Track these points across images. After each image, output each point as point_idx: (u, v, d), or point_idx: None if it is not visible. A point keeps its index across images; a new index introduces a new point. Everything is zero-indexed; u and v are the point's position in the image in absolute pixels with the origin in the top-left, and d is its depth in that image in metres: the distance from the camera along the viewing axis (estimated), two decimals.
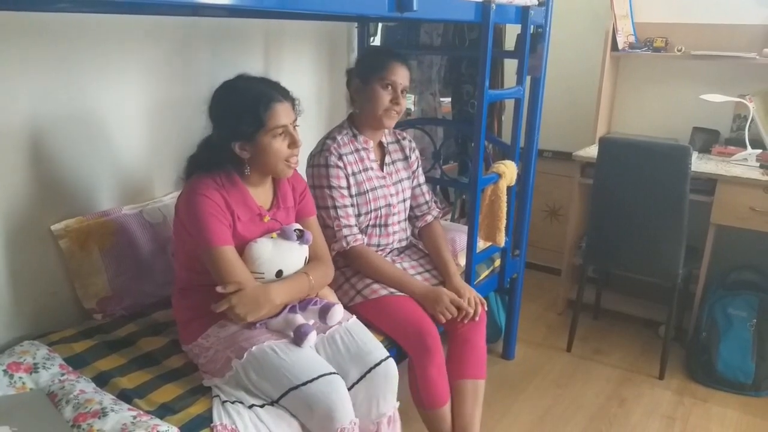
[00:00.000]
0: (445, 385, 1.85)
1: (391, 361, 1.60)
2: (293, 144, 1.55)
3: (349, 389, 1.49)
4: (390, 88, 1.89)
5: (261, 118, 1.48)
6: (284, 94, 1.55)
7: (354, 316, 1.72)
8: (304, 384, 1.42)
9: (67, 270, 1.78)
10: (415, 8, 1.54)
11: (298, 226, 1.64)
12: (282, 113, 1.51)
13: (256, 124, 1.49)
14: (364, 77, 1.92)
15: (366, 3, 1.57)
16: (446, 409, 1.86)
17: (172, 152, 1.97)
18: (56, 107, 1.71)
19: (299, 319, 1.57)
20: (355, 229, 1.91)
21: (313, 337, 1.53)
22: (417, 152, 2.17)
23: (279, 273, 1.56)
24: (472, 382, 1.92)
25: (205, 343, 1.57)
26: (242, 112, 1.48)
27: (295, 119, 1.57)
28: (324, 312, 1.60)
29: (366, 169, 1.97)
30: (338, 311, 1.61)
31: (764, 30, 2.75)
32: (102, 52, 1.80)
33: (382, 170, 2.03)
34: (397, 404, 1.65)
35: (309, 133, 2.51)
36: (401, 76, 1.91)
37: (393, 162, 2.07)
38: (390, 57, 1.92)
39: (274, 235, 1.59)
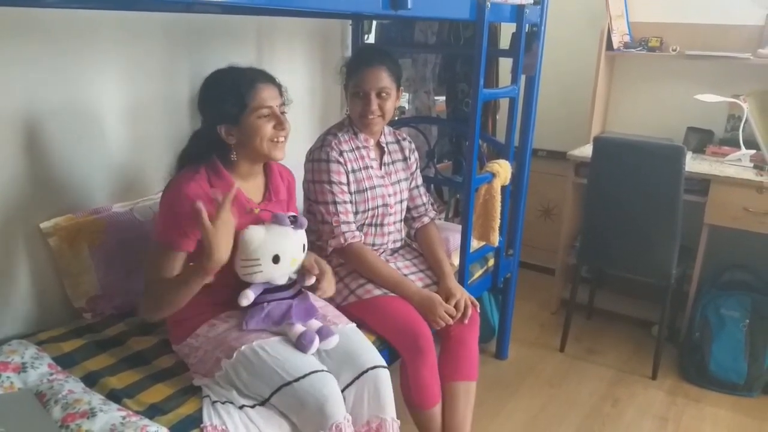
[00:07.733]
0: (437, 386, 1.84)
1: (384, 371, 1.57)
2: (279, 125, 1.54)
3: (341, 392, 1.47)
4: (362, 95, 1.86)
5: (244, 99, 1.48)
6: (269, 78, 1.55)
7: (354, 324, 1.70)
8: (296, 380, 1.41)
9: (56, 268, 1.76)
10: (409, 6, 1.53)
11: (292, 213, 1.63)
12: (266, 94, 1.51)
13: (240, 105, 1.49)
14: (345, 84, 1.93)
15: (360, 0, 1.56)
16: (437, 409, 1.85)
17: (163, 150, 1.95)
18: (46, 103, 1.69)
19: (299, 327, 1.55)
20: (353, 226, 1.89)
21: (316, 344, 1.52)
22: (416, 154, 2.15)
23: (276, 258, 1.53)
24: (465, 384, 1.91)
25: (194, 342, 1.56)
26: (226, 92, 1.49)
27: (283, 104, 1.57)
28: (322, 335, 1.56)
29: (366, 167, 1.95)
30: (335, 341, 1.57)
31: (759, 30, 2.75)
32: (93, 49, 1.78)
33: (381, 170, 2.01)
34: (398, 422, 1.59)
35: (303, 130, 2.50)
36: (371, 81, 1.85)
37: (392, 162, 2.06)
38: (361, 63, 1.87)
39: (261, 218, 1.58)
